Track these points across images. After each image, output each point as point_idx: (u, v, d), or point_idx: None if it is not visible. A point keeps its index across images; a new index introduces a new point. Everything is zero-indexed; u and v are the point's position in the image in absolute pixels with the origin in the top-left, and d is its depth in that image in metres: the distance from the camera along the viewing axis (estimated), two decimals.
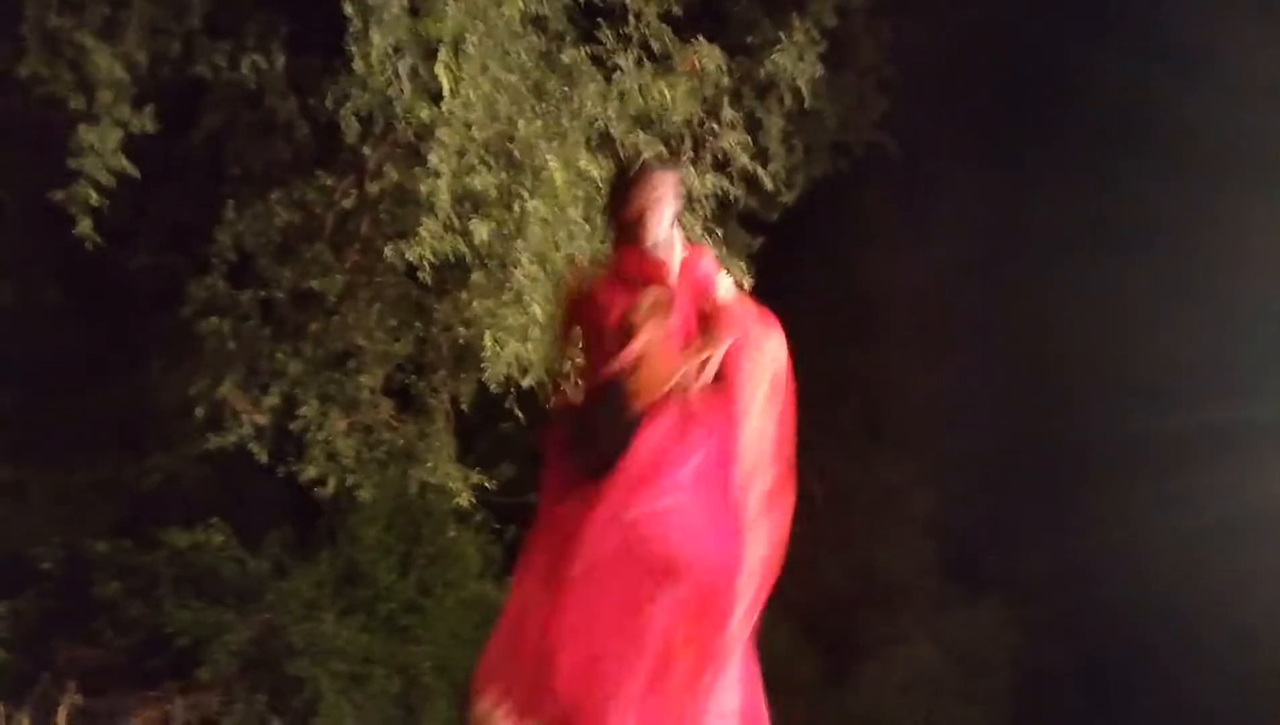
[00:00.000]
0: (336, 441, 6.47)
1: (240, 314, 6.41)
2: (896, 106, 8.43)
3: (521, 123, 5.76)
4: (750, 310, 3.45)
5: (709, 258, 3.53)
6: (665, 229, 3.39)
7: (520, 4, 5.73)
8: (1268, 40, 8.30)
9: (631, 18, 6.17)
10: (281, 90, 6.26)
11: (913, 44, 8.45)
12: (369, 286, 6.51)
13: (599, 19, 6.19)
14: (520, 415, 6.26)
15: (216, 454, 6.42)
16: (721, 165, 6.64)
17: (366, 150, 6.20)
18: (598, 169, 6.03)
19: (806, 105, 7.01)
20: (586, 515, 3.13)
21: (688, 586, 3.08)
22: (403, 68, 5.47)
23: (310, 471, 6.48)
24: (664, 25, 6.27)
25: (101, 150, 5.51)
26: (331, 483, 6.55)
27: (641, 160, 3.91)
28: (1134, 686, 9.67)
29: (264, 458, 6.42)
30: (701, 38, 6.39)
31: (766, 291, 3.96)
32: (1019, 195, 9.38)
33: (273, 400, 6.41)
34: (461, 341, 6.44)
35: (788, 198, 7.38)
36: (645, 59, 6.23)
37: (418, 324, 6.57)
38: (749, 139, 6.71)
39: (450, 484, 6.70)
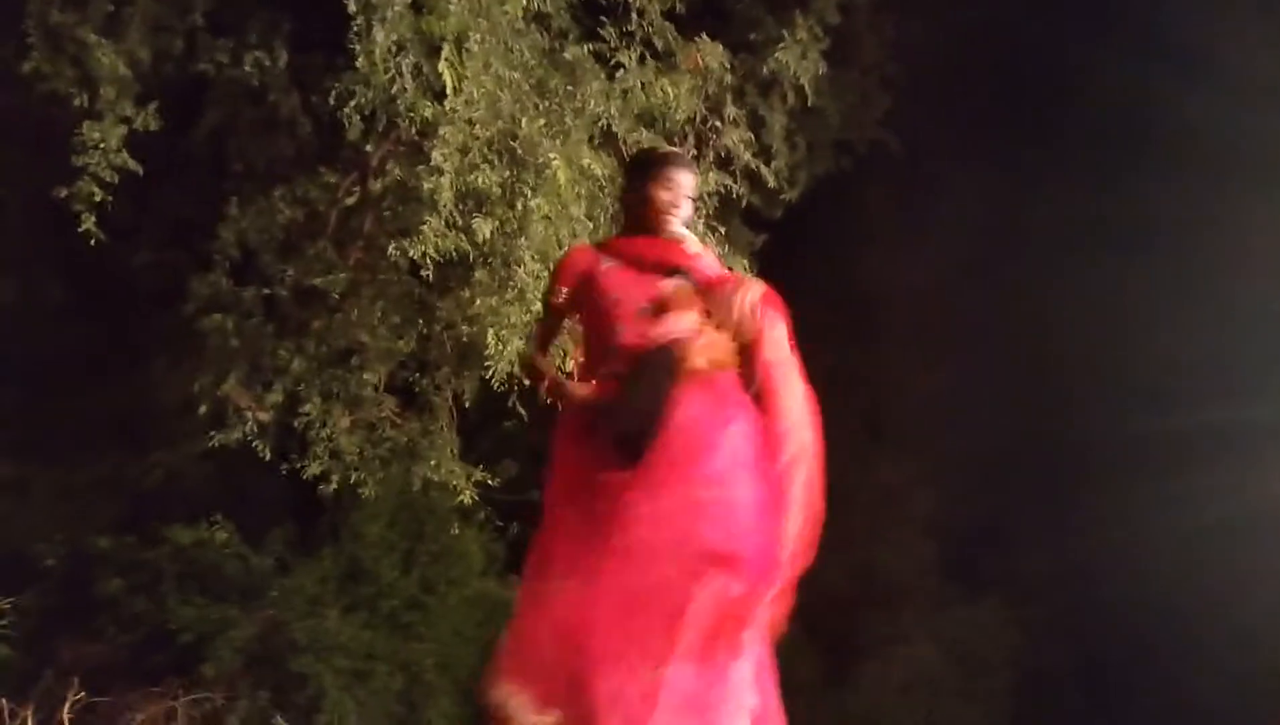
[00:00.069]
0: (339, 438, 6.46)
1: (243, 311, 6.39)
2: (899, 104, 8.44)
3: (524, 120, 5.75)
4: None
5: (711, 255, 3.53)
6: (685, 223, 3.39)
7: (523, 1, 5.72)
8: (1268, 40, 8.32)
9: (634, 15, 6.16)
10: (284, 87, 6.23)
11: (911, 43, 8.47)
12: (372, 284, 6.50)
13: (602, 16, 6.18)
14: (523, 413, 6.26)
15: (219, 451, 6.40)
16: (724, 163, 6.65)
17: (369, 147, 6.19)
18: (600, 166, 6.04)
19: (809, 103, 7.00)
20: (622, 503, 3.03)
21: (729, 578, 3.01)
22: (406, 65, 5.46)
23: (313, 468, 6.46)
24: (667, 23, 6.27)
25: (105, 147, 5.51)
26: (334, 480, 6.54)
27: (669, 150, 3.85)
28: (1134, 686, 9.68)
29: (267, 455, 6.40)
30: (704, 35, 6.39)
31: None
32: (1019, 195, 9.40)
33: (276, 397, 6.40)
34: (464, 339, 6.43)
35: (790, 195, 7.38)
36: (648, 56, 6.22)
37: (420, 321, 6.56)
38: (752, 136, 6.71)
39: (453, 481, 6.68)
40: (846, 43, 7.66)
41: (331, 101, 5.69)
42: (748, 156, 6.65)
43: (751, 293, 3.26)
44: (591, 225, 6.02)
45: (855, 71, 8.17)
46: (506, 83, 5.68)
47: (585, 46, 6.08)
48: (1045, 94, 9.26)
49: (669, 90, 6.20)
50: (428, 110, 5.56)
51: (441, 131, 5.53)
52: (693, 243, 3.38)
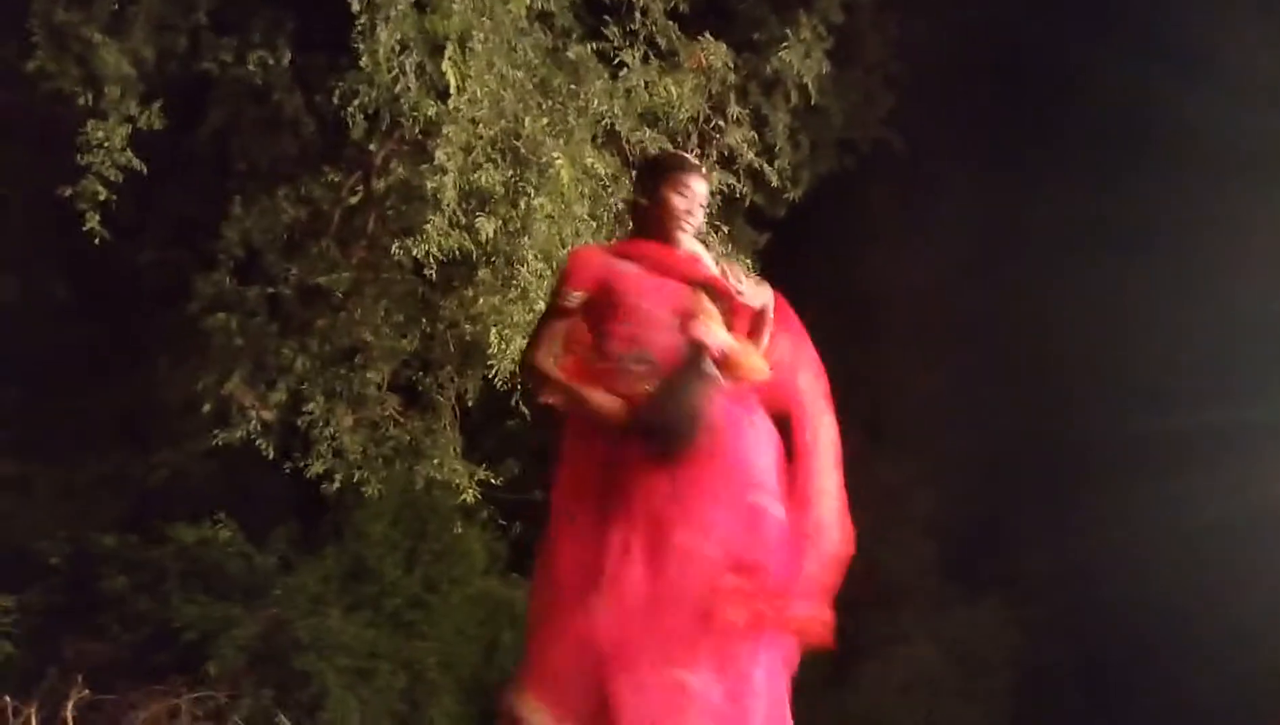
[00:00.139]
0: (343, 437, 6.46)
1: (247, 310, 6.40)
2: (902, 104, 8.44)
3: (528, 119, 5.75)
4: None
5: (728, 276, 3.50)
6: (696, 231, 3.36)
7: (526, 0, 5.74)
8: (1268, 40, 8.31)
9: (638, 14, 6.15)
10: (288, 86, 6.24)
11: (915, 42, 8.48)
12: (375, 283, 6.51)
13: (605, 15, 6.18)
14: (526, 412, 6.27)
15: (223, 450, 6.42)
16: (728, 162, 6.63)
17: (373, 147, 6.20)
18: (604, 166, 6.04)
19: (813, 102, 6.98)
20: (656, 506, 2.99)
21: (759, 591, 2.99)
22: (409, 64, 5.46)
23: (316, 467, 6.46)
24: (670, 22, 6.26)
25: (109, 146, 5.52)
26: (338, 478, 6.55)
27: (684, 155, 3.81)
28: (1134, 686, 9.67)
29: (270, 453, 6.42)
30: (708, 34, 6.37)
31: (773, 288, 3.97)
32: (1019, 195, 9.39)
33: (279, 396, 6.41)
34: (468, 338, 6.44)
35: (794, 194, 7.36)
36: (652, 55, 6.21)
37: (424, 320, 6.57)
38: (755, 135, 6.68)
39: (456, 480, 6.69)
40: (850, 42, 7.65)
41: (335, 100, 5.71)
42: (751, 155, 6.63)
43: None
44: (595, 224, 6.02)
45: (859, 71, 8.16)
46: (510, 82, 5.68)
47: (589, 45, 6.08)
48: (1046, 94, 9.26)
49: (672, 89, 6.19)
50: (431, 109, 5.56)
51: (445, 130, 5.53)
52: (709, 260, 3.34)
